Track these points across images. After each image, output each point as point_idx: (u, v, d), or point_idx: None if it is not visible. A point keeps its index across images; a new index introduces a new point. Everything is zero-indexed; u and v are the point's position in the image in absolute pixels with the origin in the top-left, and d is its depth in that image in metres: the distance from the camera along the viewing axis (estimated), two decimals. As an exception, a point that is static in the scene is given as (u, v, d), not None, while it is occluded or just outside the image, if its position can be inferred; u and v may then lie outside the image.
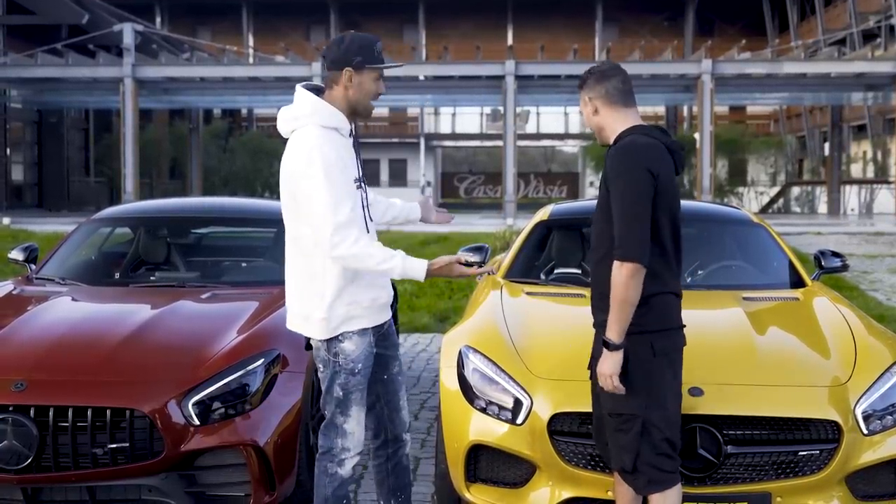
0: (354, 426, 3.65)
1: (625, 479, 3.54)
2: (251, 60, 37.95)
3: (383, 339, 3.79)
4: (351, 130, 3.66)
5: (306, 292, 3.60)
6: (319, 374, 3.71)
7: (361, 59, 3.56)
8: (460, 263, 3.56)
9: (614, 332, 3.37)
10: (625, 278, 3.32)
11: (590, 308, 3.65)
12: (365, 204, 3.64)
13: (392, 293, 3.80)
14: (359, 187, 3.62)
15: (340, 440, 3.64)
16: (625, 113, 3.54)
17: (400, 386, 3.87)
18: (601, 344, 3.46)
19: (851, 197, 34.48)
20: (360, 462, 3.90)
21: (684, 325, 3.55)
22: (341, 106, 3.60)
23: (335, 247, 3.44)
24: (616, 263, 3.34)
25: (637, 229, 3.33)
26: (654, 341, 3.41)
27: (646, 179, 3.35)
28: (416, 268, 3.50)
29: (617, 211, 3.37)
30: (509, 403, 4.07)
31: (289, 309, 3.70)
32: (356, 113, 3.64)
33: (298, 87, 3.65)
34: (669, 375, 3.48)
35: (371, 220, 3.68)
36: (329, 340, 3.61)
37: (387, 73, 3.70)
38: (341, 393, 3.62)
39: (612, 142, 3.54)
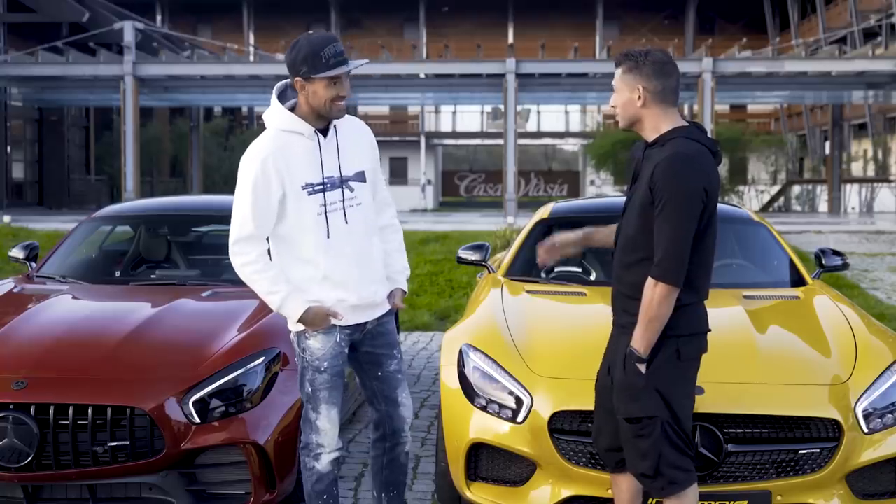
0: (326, 423, 3.67)
1: (644, 484, 3.51)
2: (252, 58, 37.84)
3: (372, 337, 3.79)
4: (325, 130, 3.63)
5: None
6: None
7: (307, 69, 3.49)
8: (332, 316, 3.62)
9: (642, 346, 3.34)
10: (659, 298, 3.28)
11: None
12: (326, 208, 3.58)
13: (369, 295, 3.71)
14: (320, 190, 3.57)
15: (315, 436, 3.68)
16: (672, 112, 3.42)
17: (399, 382, 3.86)
18: (621, 346, 3.43)
19: (852, 195, 34.41)
20: (343, 459, 3.91)
21: (709, 330, 3.50)
22: (305, 110, 3.59)
23: (232, 256, 3.59)
24: (651, 281, 3.29)
25: (682, 252, 3.27)
26: (681, 346, 3.37)
27: (699, 201, 3.27)
28: (291, 312, 3.60)
29: (665, 230, 3.28)
30: (510, 402, 4.08)
31: None
32: (322, 117, 3.60)
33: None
34: (691, 378, 3.45)
35: (347, 221, 3.62)
36: (298, 335, 3.69)
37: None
38: (310, 389, 3.68)
39: (649, 139, 3.43)
